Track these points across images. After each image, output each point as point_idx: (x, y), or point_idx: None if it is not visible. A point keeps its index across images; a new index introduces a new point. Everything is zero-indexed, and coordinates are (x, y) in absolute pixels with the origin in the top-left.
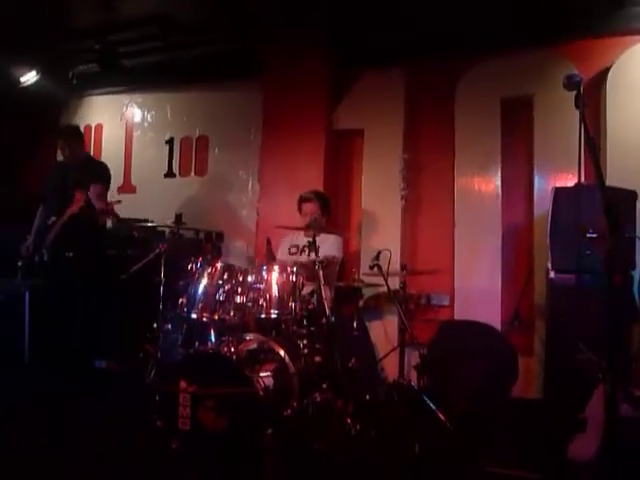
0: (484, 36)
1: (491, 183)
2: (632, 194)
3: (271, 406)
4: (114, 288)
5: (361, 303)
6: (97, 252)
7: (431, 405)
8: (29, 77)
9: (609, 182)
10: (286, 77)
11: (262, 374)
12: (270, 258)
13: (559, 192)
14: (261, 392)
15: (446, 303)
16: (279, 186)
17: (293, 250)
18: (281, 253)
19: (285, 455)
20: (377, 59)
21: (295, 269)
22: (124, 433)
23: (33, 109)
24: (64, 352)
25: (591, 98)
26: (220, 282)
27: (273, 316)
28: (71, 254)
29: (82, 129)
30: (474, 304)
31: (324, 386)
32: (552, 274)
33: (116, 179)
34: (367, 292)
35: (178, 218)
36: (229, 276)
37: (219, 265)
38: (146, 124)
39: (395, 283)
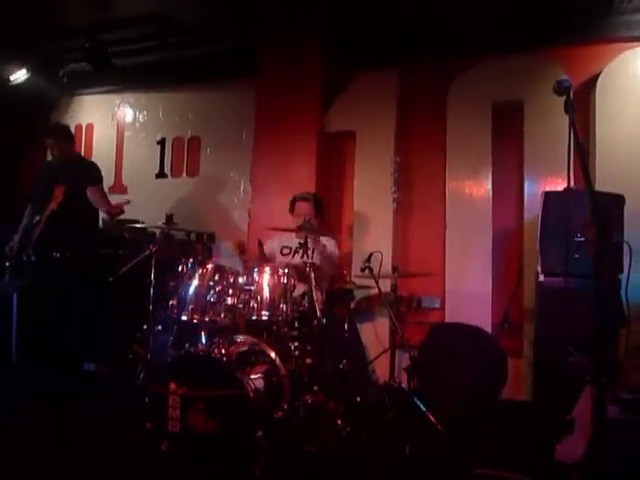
0: (477, 39)
1: (482, 186)
2: (620, 199)
3: (262, 408)
4: (104, 289)
5: (352, 305)
6: (86, 252)
7: (422, 407)
8: (19, 75)
9: (598, 187)
10: (279, 78)
11: (253, 376)
12: (262, 259)
13: (549, 196)
14: (252, 394)
15: (437, 306)
16: (271, 187)
17: (285, 251)
18: (271, 250)
19: (276, 457)
20: (370, 61)
21: (286, 271)
22: (113, 435)
23: (23, 108)
24: (52, 353)
25: (581, 104)
26: (211, 283)
27: (264, 318)
28: (58, 254)
29: (73, 128)
30: (465, 307)
31: (315, 388)
32: (541, 277)
33: (107, 179)
34: (358, 294)
35: (169, 219)
36: (220, 277)
37: (210, 266)
38: (138, 124)
39: (386, 285)
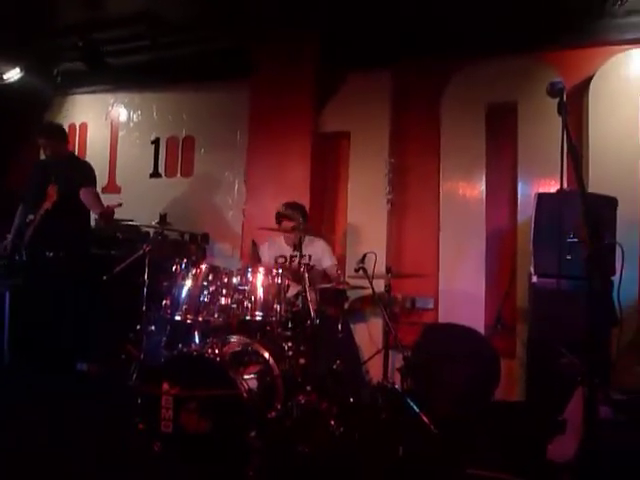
0: (471, 41)
1: (476, 188)
2: (613, 201)
3: (255, 408)
4: (97, 289)
5: (346, 305)
6: (79, 252)
7: (415, 408)
8: (13, 74)
9: (590, 189)
10: (273, 78)
11: (246, 376)
12: (256, 260)
13: (542, 198)
14: (245, 394)
15: (430, 306)
16: (265, 188)
17: (281, 260)
18: (267, 259)
19: (269, 457)
20: (364, 61)
21: (280, 271)
22: (106, 435)
23: (16, 107)
24: (45, 353)
25: (574, 106)
26: (205, 284)
27: (258, 318)
28: (51, 254)
29: (67, 128)
30: (458, 307)
31: (308, 388)
32: (534, 278)
33: (101, 179)
34: (352, 294)
35: (163, 218)
36: (214, 278)
37: (204, 266)
38: (132, 124)
39: (380, 286)
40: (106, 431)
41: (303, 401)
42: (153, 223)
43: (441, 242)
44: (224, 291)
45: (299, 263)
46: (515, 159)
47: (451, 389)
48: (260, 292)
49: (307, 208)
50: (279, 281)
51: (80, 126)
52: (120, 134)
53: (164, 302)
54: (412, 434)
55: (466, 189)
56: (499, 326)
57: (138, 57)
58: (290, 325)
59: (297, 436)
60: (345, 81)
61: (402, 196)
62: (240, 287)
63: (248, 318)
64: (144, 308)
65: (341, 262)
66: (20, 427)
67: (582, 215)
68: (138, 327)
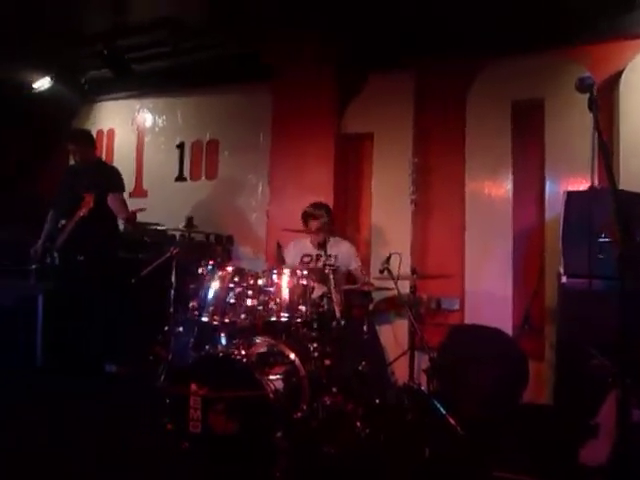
0: (495, 38)
1: (502, 187)
2: None
3: (281, 409)
4: (126, 291)
5: (371, 307)
6: (109, 256)
7: (441, 409)
8: (43, 83)
9: (622, 186)
10: (295, 81)
11: (272, 377)
12: (280, 261)
13: (571, 196)
14: (271, 395)
15: (456, 307)
16: (289, 190)
17: (306, 259)
18: (291, 260)
19: (295, 458)
20: (386, 62)
21: (305, 272)
22: (134, 435)
23: (46, 115)
24: (76, 355)
25: (603, 101)
26: (231, 285)
27: (283, 319)
28: (82, 258)
29: (94, 134)
30: (484, 308)
31: (334, 389)
32: (564, 279)
33: (128, 184)
34: (377, 296)
35: (189, 222)
36: (240, 279)
37: (230, 268)
38: (157, 129)
39: (405, 287)
40: (136, 431)
41: (329, 402)
42: (179, 226)
43: (467, 242)
44: (250, 292)
45: (324, 264)
46: (542, 157)
47: (478, 391)
48: (285, 293)
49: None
50: (304, 282)
51: (107, 132)
52: (146, 139)
53: (191, 304)
54: (438, 436)
55: (492, 188)
56: (527, 327)
57: (161, 63)
58: (315, 326)
59: (323, 437)
60: (368, 82)
61: (426, 196)
62: (265, 288)
63: (274, 319)
64: (171, 310)
65: (365, 263)
66: (28, 426)
67: (613, 213)
68: (166, 329)
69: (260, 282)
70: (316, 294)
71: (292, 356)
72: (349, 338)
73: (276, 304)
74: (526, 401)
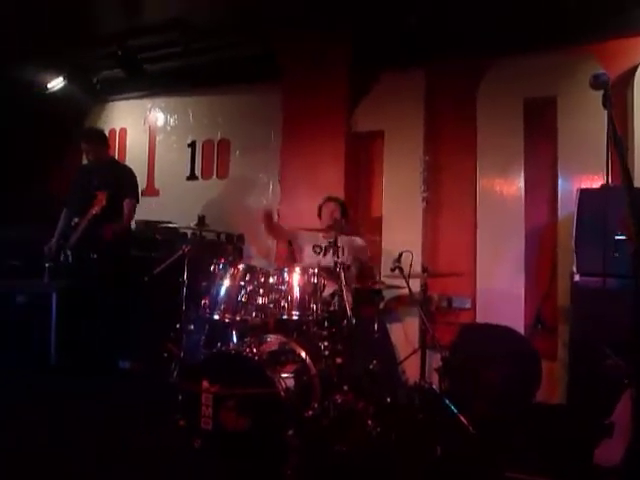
0: (506, 36)
1: (514, 184)
2: None
3: (292, 407)
4: (138, 289)
5: (382, 305)
6: (122, 254)
7: (453, 408)
8: (56, 83)
9: (637, 183)
10: (305, 80)
11: (283, 375)
12: (291, 260)
13: (585, 194)
14: (282, 393)
15: (468, 306)
16: (300, 188)
17: (317, 250)
18: (301, 244)
19: (306, 456)
20: (397, 60)
21: (316, 271)
22: (148, 430)
23: (59, 115)
24: (90, 352)
25: (617, 98)
26: (242, 283)
27: (294, 317)
28: (96, 256)
29: (107, 133)
30: (496, 307)
31: (345, 388)
32: (577, 277)
33: (140, 182)
34: (388, 294)
35: (201, 220)
36: (251, 277)
37: (241, 267)
38: (169, 128)
39: (416, 285)
40: (150, 426)
41: (340, 400)
42: (191, 225)
43: (478, 240)
44: (261, 290)
45: (335, 263)
46: (555, 155)
47: (489, 390)
48: (296, 291)
49: None
50: (315, 280)
51: (120, 131)
52: (158, 138)
53: (203, 302)
54: (450, 435)
55: (504, 186)
56: (539, 326)
57: (173, 63)
58: (326, 324)
59: (334, 435)
60: (378, 80)
61: (438, 194)
62: (277, 287)
63: (285, 317)
64: (184, 308)
65: (376, 261)
66: (68, 424)
67: (628, 209)
68: (178, 326)
69: (271, 280)
70: (326, 292)
71: (303, 354)
72: (360, 336)
73: (287, 302)
74: (539, 400)
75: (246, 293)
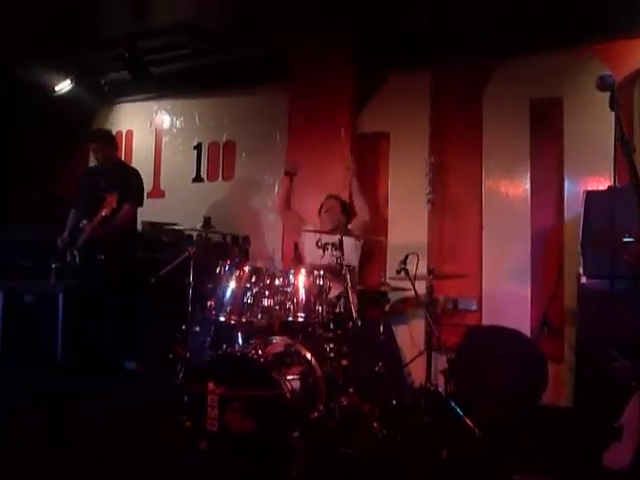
0: (512, 37)
1: (520, 186)
2: None
3: (298, 409)
4: (145, 290)
5: (387, 307)
6: (128, 255)
7: (459, 411)
8: (64, 85)
9: None
10: (311, 81)
11: (289, 377)
12: (297, 262)
13: (591, 195)
14: (288, 395)
15: (474, 308)
16: (305, 190)
17: (319, 244)
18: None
19: (312, 458)
20: (402, 61)
21: (322, 273)
22: (153, 432)
23: (67, 117)
24: (96, 353)
25: (623, 99)
26: (248, 285)
27: (300, 319)
28: (102, 257)
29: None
30: (502, 309)
31: (350, 390)
32: (584, 279)
33: (146, 184)
34: (393, 296)
35: (207, 222)
36: (257, 279)
37: (247, 268)
38: (175, 130)
39: (422, 287)
40: (155, 427)
41: (345, 402)
42: (197, 226)
43: (484, 242)
44: (267, 292)
45: (340, 264)
46: (561, 156)
47: (496, 392)
48: (302, 293)
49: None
50: (321, 282)
51: (126, 133)
52: (164, 140)
53: (209, 303)
54: (456, 437)
55: (510, 187)
56: (546, 328)
57: (179, 65)
58: (332, 326)
59: (340, 437)
60: (384, 81)
61: (443, 196)
62: (282, 288)
63: (290, 319)
64: (189, 309)
65: (382, 263)
66: (75, 423)
67: (636, 209)
68: (184, 327)
69: (277, 282)
70: (332, 294)
71: (309, 356)
72: (365, 339)
73: (293, 304)
74: (545, 403)
75: (252, 295)
